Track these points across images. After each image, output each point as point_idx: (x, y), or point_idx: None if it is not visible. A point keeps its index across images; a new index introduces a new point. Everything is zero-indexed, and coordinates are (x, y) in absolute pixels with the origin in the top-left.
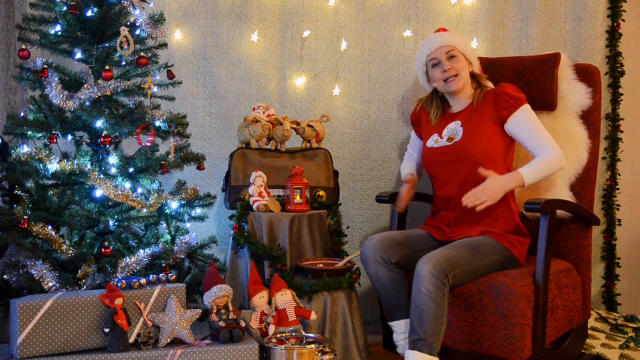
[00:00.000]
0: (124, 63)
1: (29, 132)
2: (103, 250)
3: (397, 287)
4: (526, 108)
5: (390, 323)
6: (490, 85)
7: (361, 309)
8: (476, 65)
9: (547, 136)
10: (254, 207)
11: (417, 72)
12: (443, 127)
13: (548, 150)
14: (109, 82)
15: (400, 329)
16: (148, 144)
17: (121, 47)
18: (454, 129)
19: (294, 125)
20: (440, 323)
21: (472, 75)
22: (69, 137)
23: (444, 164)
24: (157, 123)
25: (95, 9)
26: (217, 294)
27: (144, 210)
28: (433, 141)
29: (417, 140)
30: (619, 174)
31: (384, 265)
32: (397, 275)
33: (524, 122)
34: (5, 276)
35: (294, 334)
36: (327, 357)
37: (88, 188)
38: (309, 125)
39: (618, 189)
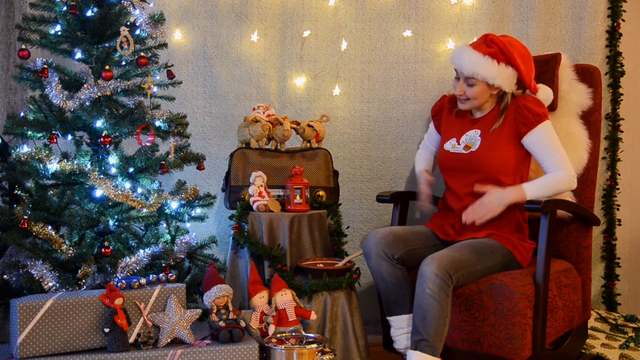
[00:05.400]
0: (124, 63)
1: (29, 132)
2: (103, 250)
3: (398, 283)
4: (545, 125)
5: (388, 318)
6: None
7: (361, 309)
8: (508, 87)
9: (561, 156)
10: (254, 207)
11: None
12: (463, 132)
13: (560, 171)
14: (109, 82)
15: (398, 324)
16: (148, 144)
17: (121, 47)
18: (473, 137)
19: (294, 125)
20: (444, 324)
21: (500, 95)
22: (69, 137)
23: (457, 170)
24: (157, 123)
25: (95, 9)
26: (217, 294)
27: (144, 210)
28: (450, 145)
29: (435, 133)
30: (619, 174)
31: (386, 260)
32: (398, 271)
33: (541, 140)
34: (5, 276)
35: (294, 334)
36: (327, 357)
37: (88, 188)
38: (309, 125)
39: (618, 189)
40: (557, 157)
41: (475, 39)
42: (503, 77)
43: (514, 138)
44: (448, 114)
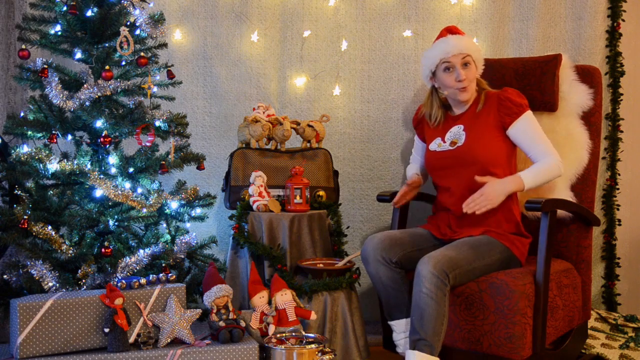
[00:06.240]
0: (124, 63)
1: (29, 132)
2: (103, 250)
3: (398, 287)
4: (528, 115)
5: (390, 322)
6: (488, 87)
7: (361, 309)
8: (481, 69)
9: (547, 144)
10: (254, 207)
11: (422, 67)
12: (446, 130)
13: (548, 158)
14: (109, 82)
15: (400, 328)
16: (148, 144)
17: (121, 47)
18: (457, 133)
19: (294, 125)
20: (441, 323)
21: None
22: (69, 137)
23: (447, 168)
24: (157, 123)
25: (95, 9)
26: (217, 294)
27: (144, 210)
28: (436, 145)
29: (420, 143)
30: (619, 174)
31: (384, 264)
32: (397, 275)
33: (525, 129)
34: (5, 276)
35: (294, 334)
36: (327, 357)
37: (88, 188)
38: (309, 125)
39: (618, 189)
40: (542, 145)
41: (475, 40)
42: (480, 52)
43: (500, 129)
44: (428, 119)
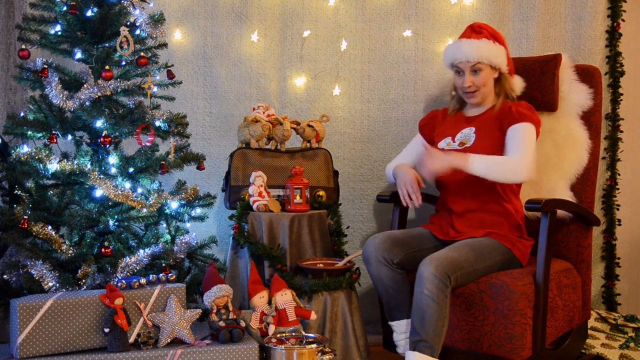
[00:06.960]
0: (124, 63)
1: (29, 132)
2: (103, 250)
3: (399, 288)
4: (527, 125)
5: (390, 323)
6: (516, 90)
7: (361, 309)
8: (505, 67)
9: (527, 151)
10: (254, 207)
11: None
12: (457, 130)
13: (516, 155)
14: (109, 82)
15: (400, 329)
16: (148, 144)
17: (121, 47)
18: (467, 134)
19: (294, 125)
20: (442, 325)
21: (497, 79)
22: (69, 137)
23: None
24: (157, 123)
25: (95, 9)
26: (217, 294)
27: (144, 210)
28: (445, 143)
29: (419, 144)
30: (619, 174)
31: (386, 265)
32: (398, 275)
33: (515, 135)
34: (5, 276)
35: (294, 334)
36: (327, 357)
37: (88, 188)
38: (309, 125)
39: (618, 189)
40: (523, 151)
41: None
42: (500, 55)
43: (504, 134)
44: (442, 118)
